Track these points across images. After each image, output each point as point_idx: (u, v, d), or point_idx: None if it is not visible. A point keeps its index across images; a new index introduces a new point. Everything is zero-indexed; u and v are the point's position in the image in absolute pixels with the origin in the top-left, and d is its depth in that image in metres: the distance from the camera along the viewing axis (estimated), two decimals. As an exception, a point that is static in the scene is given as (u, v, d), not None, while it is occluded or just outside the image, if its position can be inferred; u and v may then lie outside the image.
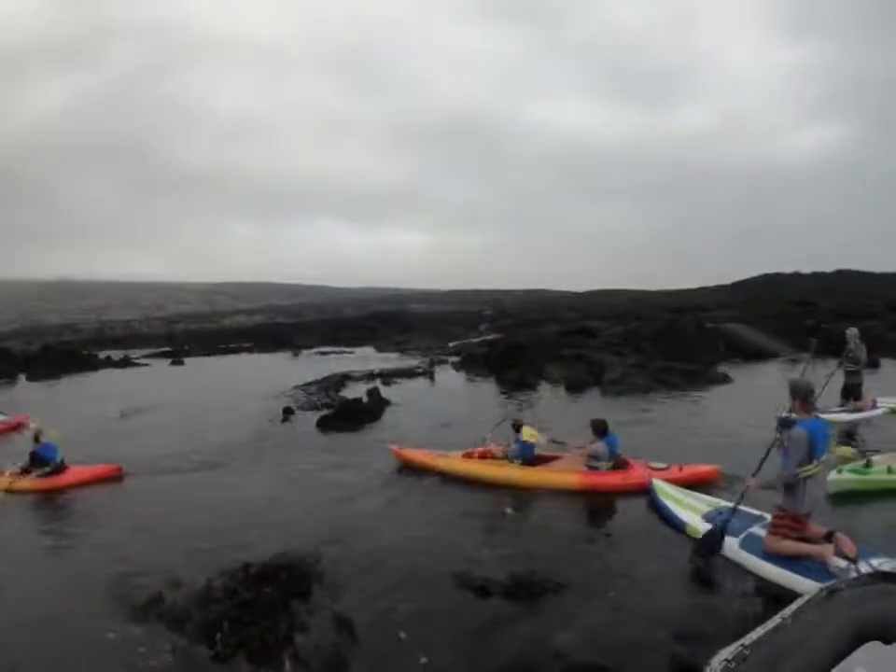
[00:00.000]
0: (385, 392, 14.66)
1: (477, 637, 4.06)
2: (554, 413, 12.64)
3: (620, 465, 7.44)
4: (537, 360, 18.42)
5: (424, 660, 3.79)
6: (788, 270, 65.93)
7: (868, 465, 6.77)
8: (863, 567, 4.45)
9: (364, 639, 4.01)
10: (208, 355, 34.63)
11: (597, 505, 6.82)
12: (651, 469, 7.32)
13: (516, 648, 3.91)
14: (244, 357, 33.51)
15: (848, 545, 4.67)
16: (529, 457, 7.83)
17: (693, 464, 7.45)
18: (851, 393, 10.35)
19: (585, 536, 6.03)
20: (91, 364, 29.47)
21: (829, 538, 4.77)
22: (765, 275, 68.22)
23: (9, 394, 20.12)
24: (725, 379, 15.49)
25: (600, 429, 7.56)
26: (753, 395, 13.13)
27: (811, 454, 4.69)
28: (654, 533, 5.81)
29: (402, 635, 4.06)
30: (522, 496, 7.09)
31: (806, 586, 4.44)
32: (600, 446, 7.46)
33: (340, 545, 5.59)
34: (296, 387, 16.81)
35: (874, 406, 10.25)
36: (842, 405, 10.28)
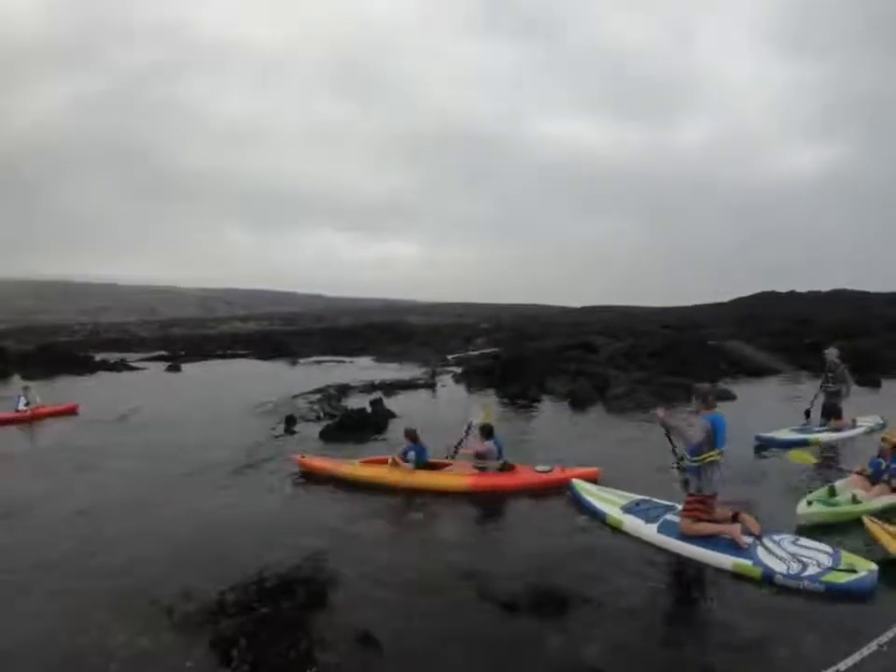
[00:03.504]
0: (388, 403, 14.51)
1: (503, 652, 3.95)
2: (558, 427, 12.56)
3: (506, 467, 7.90)
4: (539, 374, 18.33)
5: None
6: (783, 289, 66.78)
7: (832, 493, 6.51)
8: (768, 542, 5.17)
9: (388, 656, 3.88)
10: (205, 360, 34.39)
11: (523, 507, 7.15)
12: (536, 472, 7.84)
13: (546, 663, 3.80)
14: (241, 363, 33.26)
15: (753, 524, 5.43)
16: (422, 463, 8.15)
17: (574, 467, 7.99)
18: (831, 413, 10.35)
19: (548, 542, 6.04)
20: (87, 366, 29.23)
21: (735, 518, 5.48)
22: (762, 293, 68.83)
23: (4, 393, 19.84)
24: (728, 395, 15.45)
25: (486, 432, 8.16)
26: (756, 409, 13.25)
27: (713, 442, 5.38)
28: (605, 532, 6.12)
29: (427, 651, 3.94)
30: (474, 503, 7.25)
31: (721, 560, 5.11)
32: (489, 444, 7.98)
33: (350, 559, 5.46)
34: (296, 396, 16.64)
35: (853, 425, 10.28)
36: (822, 425, 10.31)
